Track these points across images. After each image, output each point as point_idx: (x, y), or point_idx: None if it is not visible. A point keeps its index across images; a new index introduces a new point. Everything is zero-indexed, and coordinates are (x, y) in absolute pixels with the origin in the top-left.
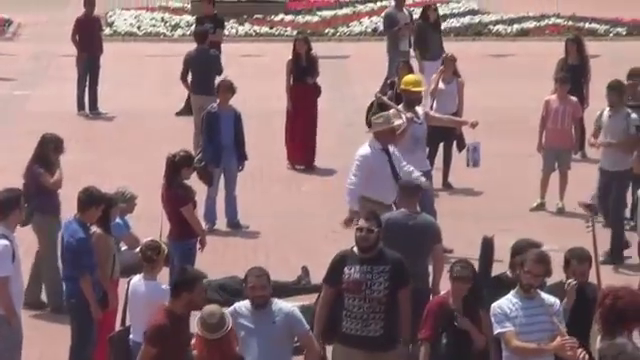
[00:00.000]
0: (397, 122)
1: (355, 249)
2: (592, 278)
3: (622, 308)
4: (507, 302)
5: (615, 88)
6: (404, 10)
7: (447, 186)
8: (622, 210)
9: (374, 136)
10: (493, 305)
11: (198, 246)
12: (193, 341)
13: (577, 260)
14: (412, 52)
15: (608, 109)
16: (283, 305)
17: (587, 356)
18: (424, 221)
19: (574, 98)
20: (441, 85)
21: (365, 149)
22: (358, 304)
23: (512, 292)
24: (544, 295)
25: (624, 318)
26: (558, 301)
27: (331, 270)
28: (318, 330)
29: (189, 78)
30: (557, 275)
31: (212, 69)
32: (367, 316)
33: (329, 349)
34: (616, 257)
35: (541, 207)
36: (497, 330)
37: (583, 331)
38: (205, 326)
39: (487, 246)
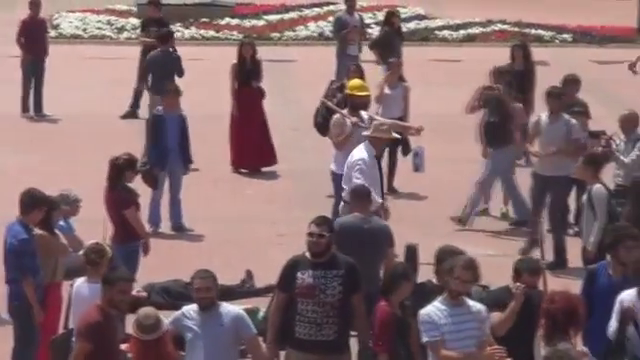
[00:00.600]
0: (395, 135)
1: (307, 254)
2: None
3: (554, 313)
4: (435, 309)
5: (555, 95)
6: (355, 14)
7: (392, 191)
8: (558, 215)
9: (371, 141)
10: (421, 312)
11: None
12: (126, 346)
13: (529, 273)
14: (361, 56)
15: (546, 115)
16: (231, 308)
17: None
18: (378, 225)
19: (519, 104)
20: (387, 90)
21: (362, 153)
22: (312, 309)
23: (439, 299)
24: (471, 302)
25: (558, 323)
26: (484, 308)
27: (283, 275)
28: (271, 335)
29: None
30: (493, 279)
31: (174, 71)
32: (321, 321)
33: (282, 354)
34: (559, 262)
35: (485, 212)
36: (425, 338)
37: (526, 336)
38: (140, 327)
39: (411, 253)
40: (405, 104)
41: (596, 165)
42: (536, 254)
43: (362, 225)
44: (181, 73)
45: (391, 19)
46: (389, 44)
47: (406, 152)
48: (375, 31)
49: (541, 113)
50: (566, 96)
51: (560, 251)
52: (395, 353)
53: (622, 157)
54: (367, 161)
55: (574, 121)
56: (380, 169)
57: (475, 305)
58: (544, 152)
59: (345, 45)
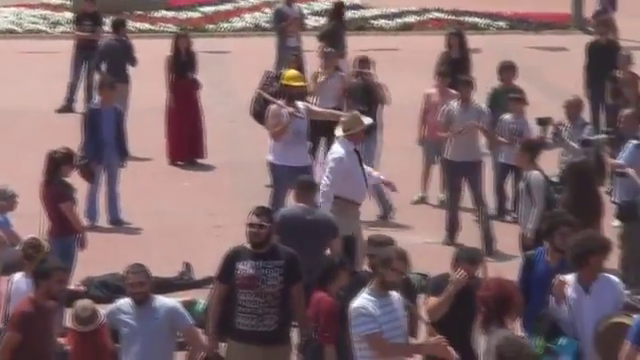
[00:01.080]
0: (366, 121)
1: (247, 245)
2: None
3: (488, 300)
4: (368, 301)
5: (469, 83)
6: (294, 6)
7: None
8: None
9: (346, 137)
10: (355, 305)
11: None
12: (64, 339)
13: (468, 262)
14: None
15: (458, 103)
16: (165, 301)
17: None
18: (322, 216)
19: (454, 92)
20: (322, 79)
21: (339, 151)
22: (253, 299)
23: (367, 291)
24: (394, 293)
25: (492, 310)
26: (401, 296)
27: (223, 266)
28: (212, 327)
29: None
30: (428, 267)
31: (126, 59)
32: (262, 311)
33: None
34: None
35: (422, 200)
36: (365, 332)
37: (465, 325)
38: (78, 319)
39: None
40: (341, 94)
41: (533, 152)
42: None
43: (305, 216)
44: (134, 62)
45: (341, 10)
46: (338, 35)
47: None
48: (311, 22)
49: (452, 102)
50: (503, 82)
51: (488, 239)
52: (340, 343)
53: (572, 143)
54: (344, 158)
55: (484, 106)
56: (361, 163)
57: (395, 294)
58: (454, 136)
59: (285, 37)
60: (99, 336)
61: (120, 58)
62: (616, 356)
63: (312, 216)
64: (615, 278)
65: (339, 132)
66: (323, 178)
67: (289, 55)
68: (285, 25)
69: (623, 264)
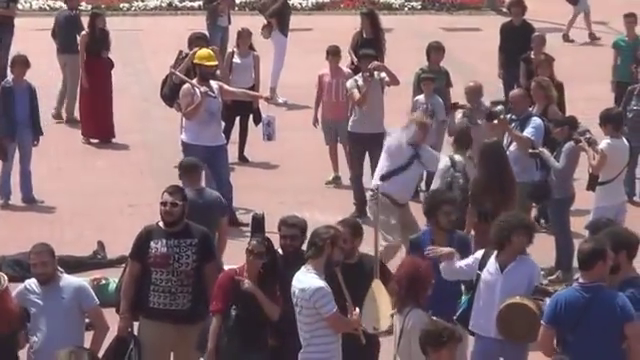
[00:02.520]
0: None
1: (160, 223)
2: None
3: (400, 279)
4: (321, 280)
5: (368, 56)
6: None
7: (243, 160)
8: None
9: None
10: (317, 286)
11: None
12: None
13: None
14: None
15: (359, 76)
16: (72, 280)
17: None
18: (210, 196)
19: (348, 70)
20: (237, 59)
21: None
22: (166, 278)
23: (310, 270)
24: None
25: (406, 289)
26: None
27: (137, 245)
28: (125, 306)
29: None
30: None
31: (76, 30)
32: (175, 290)
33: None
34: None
35: (337, 180)
36: (332, 309)
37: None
38: None
39: (258, 223)
40: (256, 73)
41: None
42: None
43: (197, 200)
44: (81, 30)
45: None
46: (285, 15)
47: (257, 121)
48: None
49: (356, 77)
50: (430, 63)
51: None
52: (226, 316)
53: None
54: (402, 147)
55: (386, 78)
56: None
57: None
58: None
59: (215, 17)
60: (1, 300)
61: (71, 30)
62: (514, 336)
63: (202, 197)
64: (532, 261)
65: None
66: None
67: (219, 34)
68: (216, 4)
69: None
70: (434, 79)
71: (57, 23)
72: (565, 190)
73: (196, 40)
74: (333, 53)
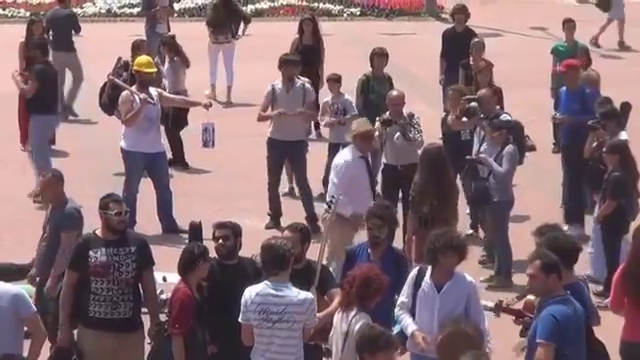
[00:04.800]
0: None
1: (98, 232)
2: None
3: (352, 280)
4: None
5: (291, 62)
6: None
7: (183, 166)
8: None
9: (355, 142)
10: (310, 297)
11: None
12: None
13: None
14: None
15: (280, 81)
16: (9, 287)
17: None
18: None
19: (305, 79)
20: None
21: (346, 155)
22: (107, 287)
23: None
24: None
25: (355, 290)
26: None
27: (75, 255)
28: (64, 317)
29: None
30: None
31: (72, 27)
32: (117, 298)
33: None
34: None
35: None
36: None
37: None
38: None
39: (195, 231)
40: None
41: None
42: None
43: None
44: (78, 29)
45: None
46: (220, 22)
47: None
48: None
49: (276, 81)
50: (374, 69)
51: (312, 218)
52: (191, 336)
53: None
54: (350, 163)
55: (308, 85)
56: (369, 169)
57: None
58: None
59: (154, 23)
60: None
61: (66, 27)
62: None
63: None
64: (467, 279)
65: (346, 135)
66: (330, 184)
67: (157, 41)
68: (154, 12)
69: (484, 246)
70: (339, 79)
71: (49, 21)
72: (506, 193)
73: (135, 48)
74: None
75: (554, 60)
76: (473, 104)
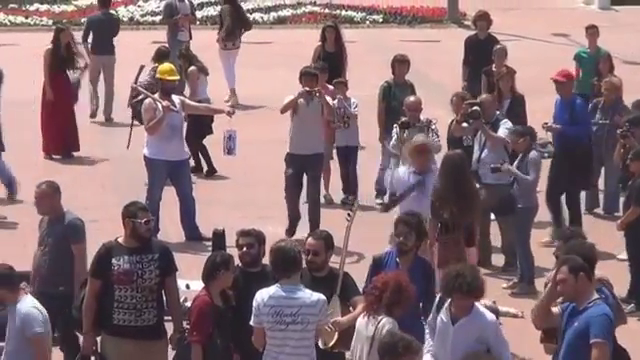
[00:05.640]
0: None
1: (120, 239)
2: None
3: (382, 286)
4: None
5: (311, 75)
6: (185, 0)
7: (207, 174)
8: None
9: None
10: (323, 297)
11: None
12: None
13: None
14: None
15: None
16: (25, 304)
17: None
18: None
19: (331, 87)
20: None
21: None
22: (130, 294)
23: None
24: None
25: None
26: None
27: (97, 263)
28: (87, 325)
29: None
30: None
31: (112, 31)
32: (141, 306)
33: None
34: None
35: (326, 198)
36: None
37: None
38: None
39: (218, 239)
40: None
41: None
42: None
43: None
44: (116, 32)
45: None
46: (233, 28)
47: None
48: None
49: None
50: (395, 76)
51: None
52: (211, 344)
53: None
54: (400, 177)
55: (329, 98)
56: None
57: None
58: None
59: (175, 31)
60: None
61: (107, 31)
62: None
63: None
64: (485, 317)
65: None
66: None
67: (179, 49)
68: (175, 20)
69: (504, 252)
70: (344, 83)
71: (91, 25)
72: (530, 200)
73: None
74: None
75: (576, 66)
76: (476, 108)
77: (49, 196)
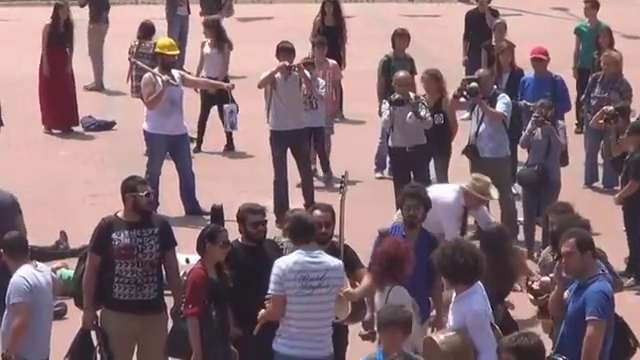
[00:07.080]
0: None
1: (120, 214)
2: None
3: (380, 258)
4: None
5: (287, 50)
6: None
7: (230, 148)
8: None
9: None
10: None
11: None
12: None
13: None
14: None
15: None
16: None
17: None
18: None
19: (332, 60)
20: (207, 50)
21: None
22: (131, 269)
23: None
24: None
25: (385, 267)
26: None
27: (97, 238)
28: (88, 300)
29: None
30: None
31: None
32: (141, 280)
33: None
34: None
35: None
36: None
37: None
38: None
39: (217, 214)
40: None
41: None
42: None
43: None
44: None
45: None
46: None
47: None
48: None
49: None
50: (395, 50)
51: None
52: (207, 318)
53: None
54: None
55: (307, 72)
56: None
57: None
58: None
59: (175, 6)
60: None
61: (102, 1)
62: None
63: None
64: (469, 302)
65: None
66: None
67: (178, 24)
68: None
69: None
70: (312, 64)
71: None
72: (559, 172)
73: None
74: (319, 44)
75: (577, 40)
76: (474, 84)
77: None
